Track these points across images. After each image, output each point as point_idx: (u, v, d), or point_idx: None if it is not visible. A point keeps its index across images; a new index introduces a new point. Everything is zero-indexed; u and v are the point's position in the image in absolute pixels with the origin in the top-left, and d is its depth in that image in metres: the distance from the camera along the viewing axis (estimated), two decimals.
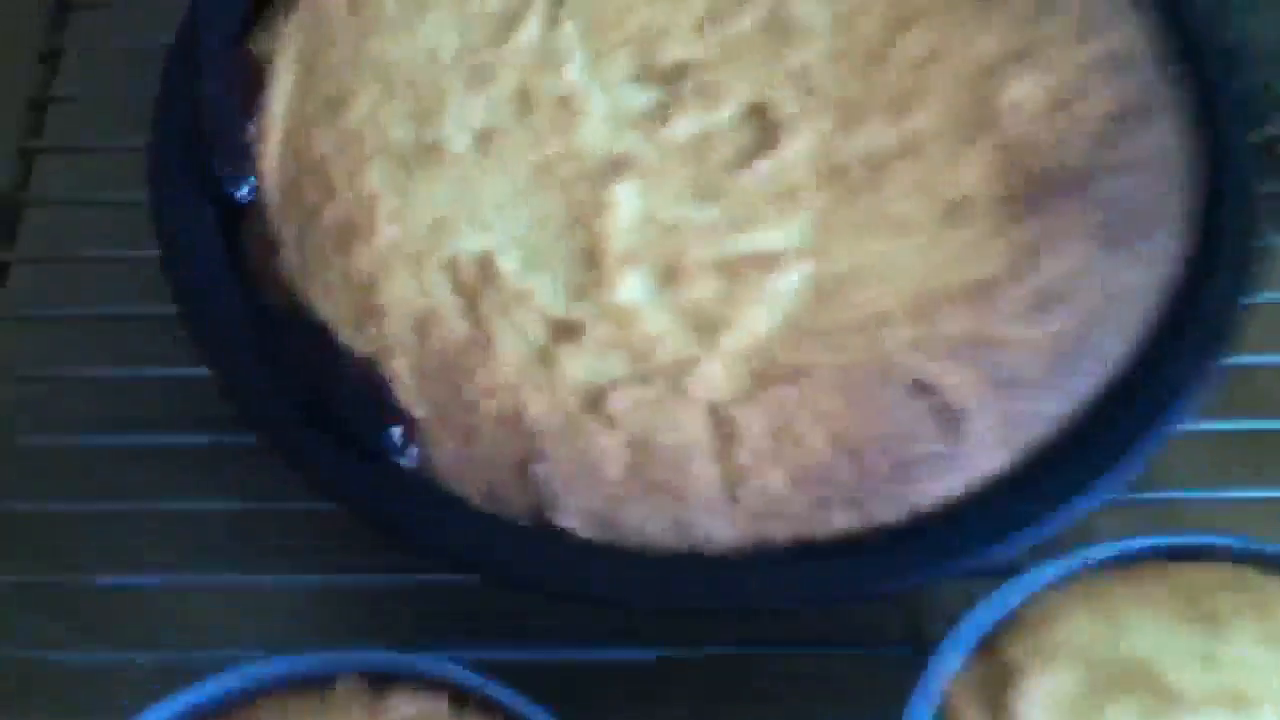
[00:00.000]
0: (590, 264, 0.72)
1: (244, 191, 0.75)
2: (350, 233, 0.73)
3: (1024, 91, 0.77)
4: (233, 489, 0.74)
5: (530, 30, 0.80)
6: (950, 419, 0.67)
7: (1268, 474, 0.78)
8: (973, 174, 0.75)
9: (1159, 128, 0.77)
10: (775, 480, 0.66)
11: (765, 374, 0.69)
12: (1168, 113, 0.77)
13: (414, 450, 0.67)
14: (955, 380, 0.69)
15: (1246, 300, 0.73)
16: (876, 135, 0.76)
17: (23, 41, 0.89)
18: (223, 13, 0.82)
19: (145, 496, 0.75)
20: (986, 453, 0.68)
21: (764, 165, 0.75)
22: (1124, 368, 0.72)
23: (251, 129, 0.77)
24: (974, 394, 0.68)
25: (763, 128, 0.77)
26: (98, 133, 0.85)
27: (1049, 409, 0.69)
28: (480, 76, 0.78)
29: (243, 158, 0.76)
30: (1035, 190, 0.74)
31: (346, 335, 0.70)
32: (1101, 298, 0.71)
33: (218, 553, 0.77)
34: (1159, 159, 0.75)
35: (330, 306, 0.71)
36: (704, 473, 0.67)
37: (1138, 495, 0.75)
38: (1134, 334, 0.72)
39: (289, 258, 0.73)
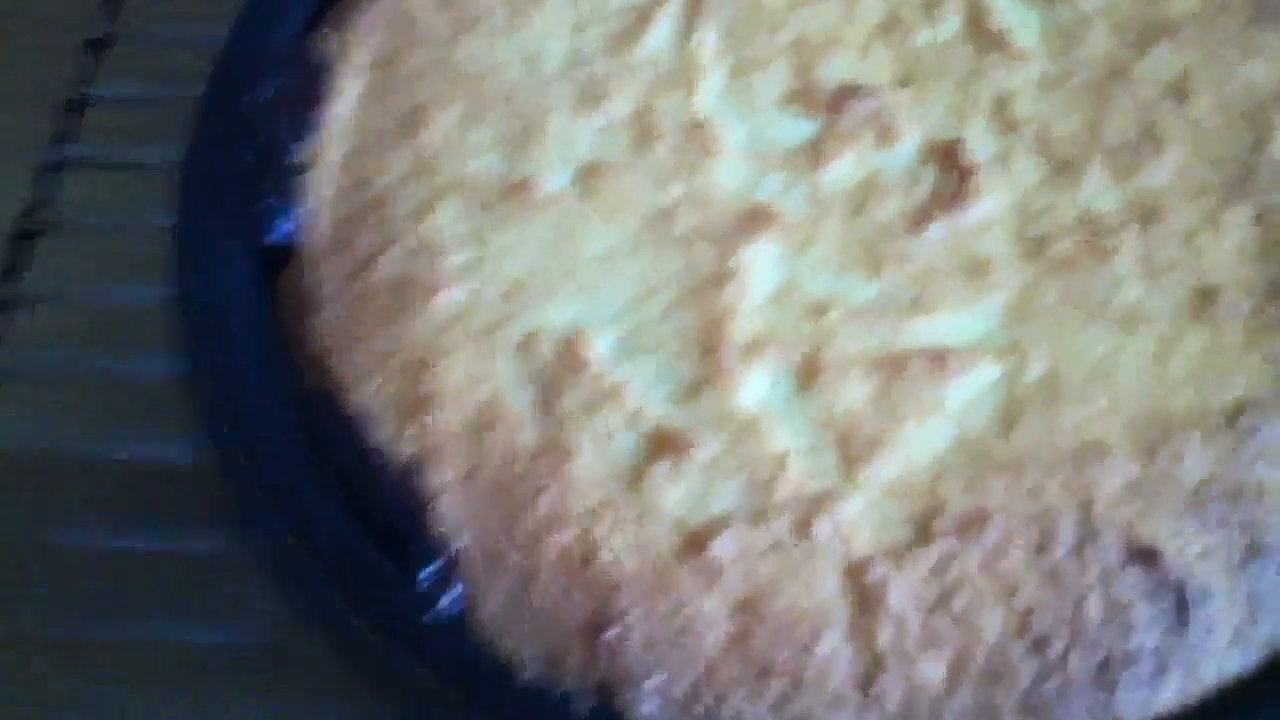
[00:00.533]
0: (706, 352, 0.54)
1: (287, 228, 0.59)
2: (406, 292, 0.57)
3: None
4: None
5: (659, 35, 0.63)
6: (1177, 602, 0.48)
7: None
8: (1229, 252, 0.55)
9: None
10: (929, 672, 0.48)
11: (926, 521, 0.51)
12: None
13: (455, 592, 0.51)
14: (1189, 547, 0.49)
15: None
16: (1100, 192, 0.57)
17: (70, 31, 0.74)
18: (288, 4, 0.66)
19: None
20: (1222, 651, 0.49)
21: (947, 227, 0.57)
22: None
23: (305, 149, 0.61)
24: (1213, 567, 0.49)
25: (949, 175, 0.59)
26: (136, 142, 0.70)
27: None
28: (591, 94, 0.62)
29: (288, 186, 0.60)
30: None
31: (387, 429, 0.54)
32: None
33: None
34: None
35: (371, 389, 0.55)
36: (833, 654, 0.49)
37: None
38: None
39: (329, 319, 0.57)
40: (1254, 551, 0.51)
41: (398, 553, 0.52)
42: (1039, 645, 0.49)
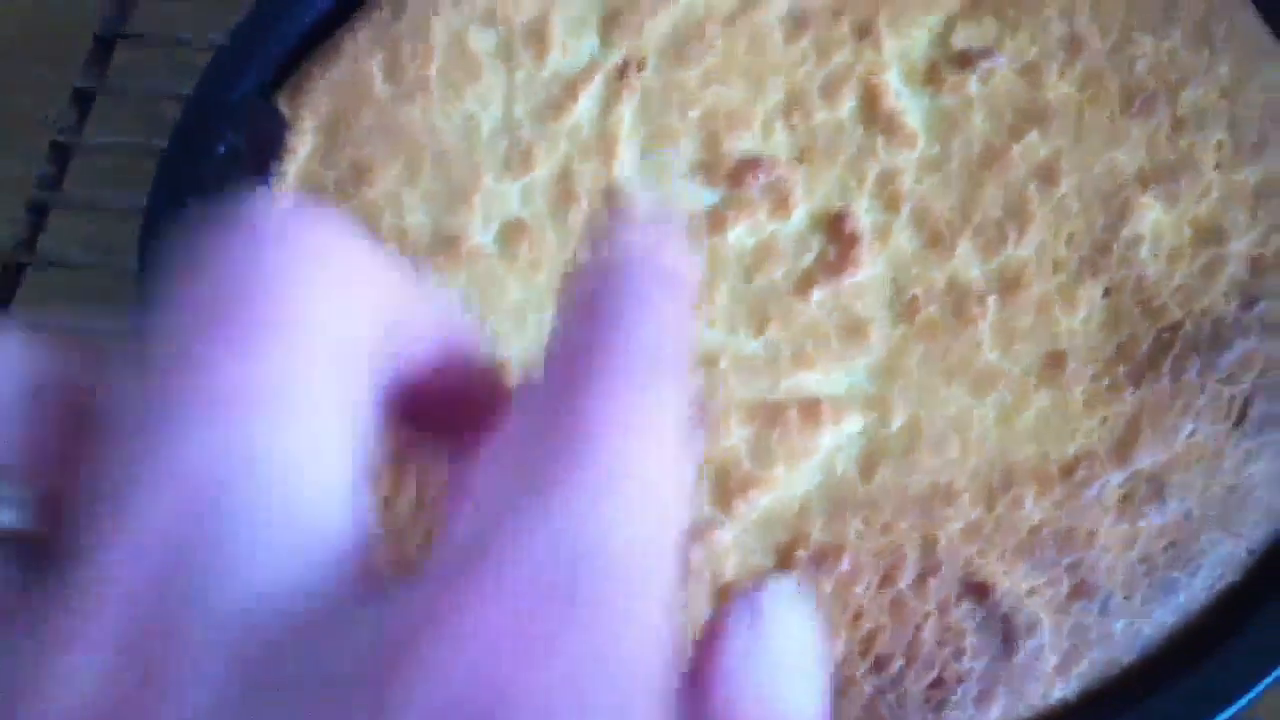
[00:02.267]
0: None
1: None
2: None
3: (1156, 222, 0.64)
4: None
5: (585, 107, 0.70)
6: (1006, 632, 0.55)
7: None
8: (1079, 322, 0.62)
9: None
10: None
11: (790, 551, 0.57)
12: None
13: None
14: (1019, 583, 0.56)
15: None
16: (966, 264, 0.64)
17: (52, 79, 0.81)
18: (251, 64, 0.73)
19: None
20: (1047, 678, 0.55)
21: (829, 291, 0.64)
22: (1239, 577, 0.58)
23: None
24: (1040, 603, 0.56)
25: (835, 244, 0.65)
26: (116, 187, 0.77)
27: (1135, 627, 0.56)
28: (519, 158, 0.68)
29: None
30: (1154, 348, 0.61)
31: None
32: (1221, 491, 0.58)
33: None
34: None
35: None
36: None
37: None
38: (1255, 536, 0.58)
39: None
40: (1079, 591, 0.57)
41: None
42: (879, 664, 0.56)
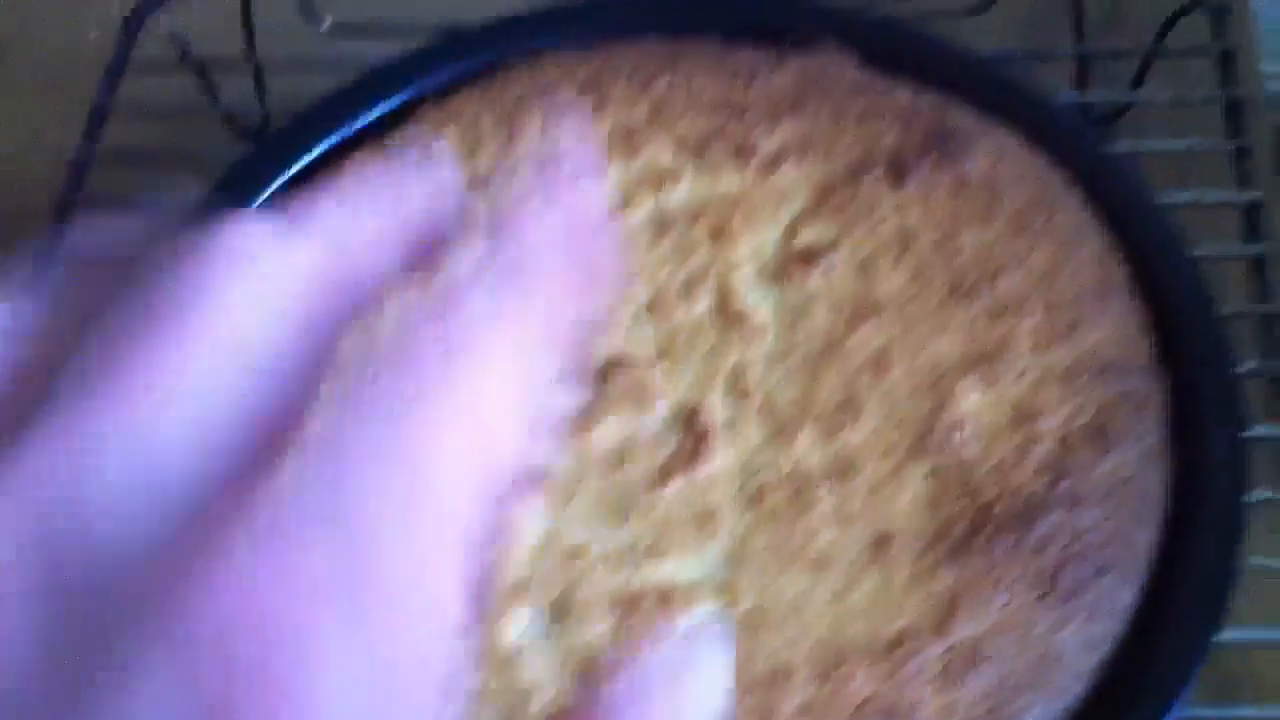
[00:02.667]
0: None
1: None
2: None
3: (974, 405, 0.71)
4: None
5: None
6: None
7: None
8: (905, 503, 0.69)
9: (1130, 447, 0.70)
10: None
11: None
12: (1140, 429, 0.70)
13: None
14: None
15: (1199, 667, 0.65)
16: (806, 452, 0.71)
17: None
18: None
19: None
20: None
21: (684, 482, 0.71)
22: None
23: None
24: None
25: (690, 437, 0.72)
26: None
27: None
28: None
29: None
30: (970, 526, 0.68)
31: None
32: (1034, 656, 0.65)
33: None
34: (1119, 491, 0.69)
35: None
36: None
37: None
38: (1069, 697, 0.65)
39: None
40: None
41: None
42: None
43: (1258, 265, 0.82)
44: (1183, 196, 0.82)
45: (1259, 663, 0.74)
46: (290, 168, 0.85)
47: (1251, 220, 0.83)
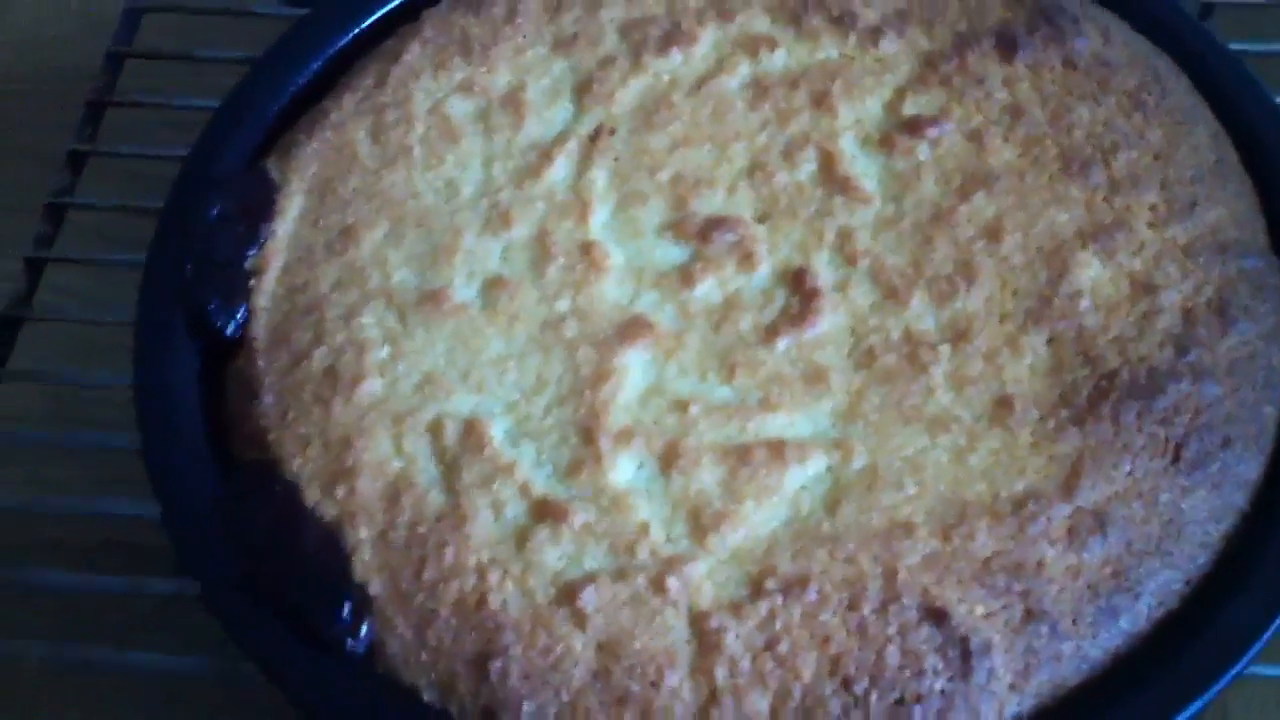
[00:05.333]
0: (585, 439, 0.65)
1: (235, 326, 0.69)
2: (333, 382, 0.67)
3: (1095, 276, 0.69)
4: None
5: (558, 171, 0.74)
6: (963, 654, 0.59)
7: None
8: (1024, 369, 0.67)
9: (1250, 327, 0.68)
10: (754, 704, 0.59)
11: (761, 581, 0.61)
12: (1262, 309, 0.68)
13: (365, 631, 0.61)
14: (974, 609, 0.61)
15: None
16: (920, 315, 0.69)
17: (48, 142, 0.85)
18: (242, 129, 0.77)
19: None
20: (1001, 697, 0.59)
21: (792, 341, 0.68)
22: (1177, 604, 0.63)
23: (251, 259, 0.72)
24: (994, 627, 0.60)
25: (797, 297, 0.70)
26: (109, 245, 0.81)
27: (1082, 650, 0.61)
28: (499, 218, 0.73)
29: (236, 290, 0.70)
30: (1094, 393, 0.66)
31: (313, 496, 0.64)
32: (1158, 525, 0.63)
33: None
34: (1244, 366, 0.67)
35: (301, 462, 0.65)
36: (678, 688, 0.59)
37: None
38: (1191, 567, 0.63)
39: (267, 404, 0.67)
40: (1030, 615, 0.62)
41: (317, 600, 0.62)
42: (846, 684, 0.60)
43: None
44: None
45: None
46: (347, 33, 0.82)
47: None
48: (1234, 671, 0.59)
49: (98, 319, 0.78)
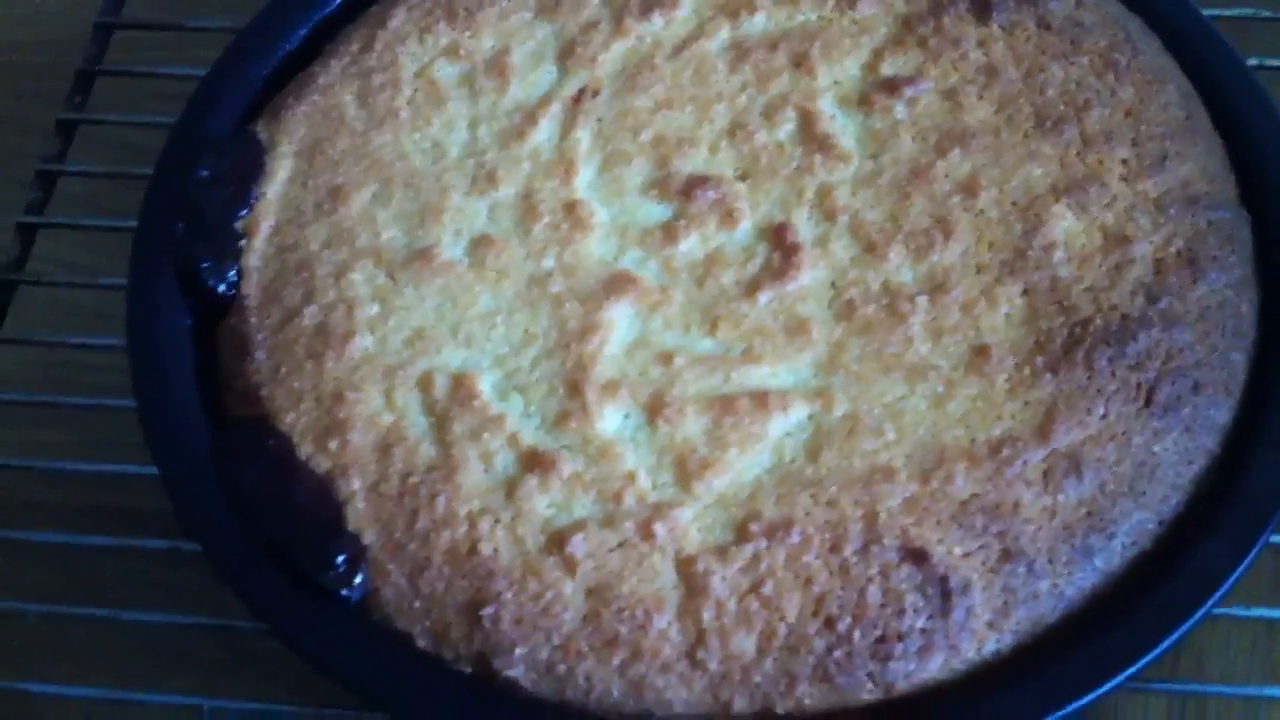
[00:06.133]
0: (572, 391, 0.67)
1: (223, 287, 0.71)
2: (324, 339, 0.68)
3: (1068, 229, 0.71)
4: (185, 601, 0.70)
5: (544, 132, 0.76)
6: (942, 593, 0.61)
7: None
8: (1000, 318, 0.69)
9: (1219, 277, 0.70)
10: (741, 644, 0.61)
11: (745, 526, 0.63)
12: (1231, 259, 0.70)
13: (360, 580, 0.62)
14: (953, 550, 0.62)
15: None
16: (898, 268, 0.70)
17: (38, 111, 0.86)
18: (231, 94, 0.79)
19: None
20: (980, 634, 0.61)
21: (774, 294, 0.70)
22: (1150, 544, 0.64)
23: (242, 220, 0.73)
24: (972, 567, 0.62)
25: (778, 252, 0.71)
26: (100, 210, 0.82)
27: (1058, 588, 0.62)
28: (485, 178, 0.74)
29: (227, 249, 0.72)
30: (1069, 341, 0.67)
31: (306, 450, 0.65)
32: (1130, 467, 0.65)
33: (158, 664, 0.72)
34: (1214, 314, 0.68)
35: (293, 417, 0.67)
36: (665, 629, 0.61)
37: (1165, 685, 0.68)
38: (1164, 508, 0.65)
39: (260, 360, 0.68)
40: (1008, 555, 0.63)
41: (312, 551, 0.64)
42: (829, 623, 0.61)
43: None
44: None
45: None
46: (331, 1, 0.83)
47: None
48: (1204, 611, 0.61)
49: (90, 282, 0.79)
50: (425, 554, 0.63)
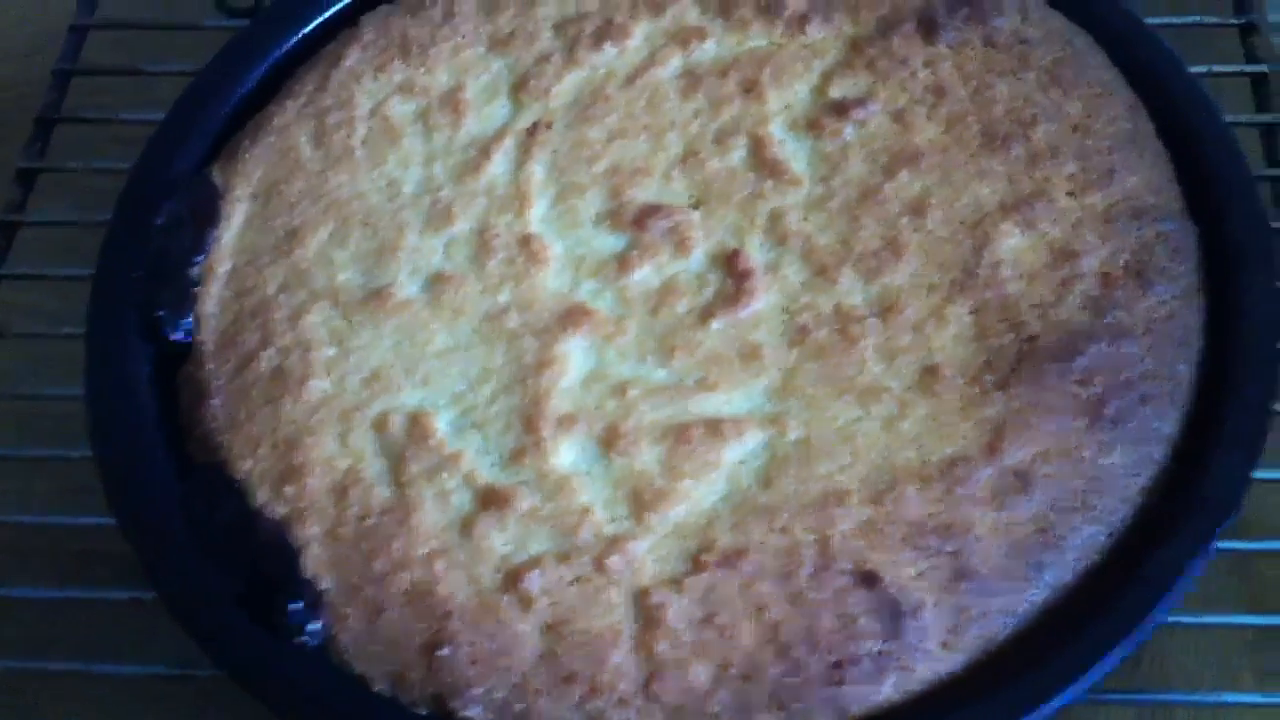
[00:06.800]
0: (528, 426, 0.67)
1: (179, 334, 0.71)
2: (280, 383, 0.69)
3: (1016, 246, 0.72)
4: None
5: (499, 166, 0.77)
6: (894, 615, 0.62)
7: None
8: (950, 338, 0.69)
9: (1166, 289, 0.70)
10: (697, 675, 0.61)
11: (700, 556, 0.64)
12: (1178, 270, 0.71)
13: (318, 625, 0.63)
14: (905, 571, 0.63)
15: (1245, 485, 0.65)
16: (850, 291, 0.71)
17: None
18: (189, 137, 0.79)
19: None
20: (934, 654, 0.62)
21: (727, 322, 0.70)
22: (1099, 557, 0.65)
23: (200, 263, 0.74)
24: (924, 587, 0.63)
25: (731, 279, 0.72)
26: (62, 260, 0.83)
27: (1012, 605, 0.63)
28: (440, 215, 0.75)
29: (183, 296, 0.72)
30: (1017, 357, 0.68)
31: (264, 496, 0.66)
32: (1080, 481, 0.65)
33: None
34: (1161, 326, 0.69)
35: (250, 463, 0.67)
36: (621, 663, 0.62)
37: (1128, 695, 0.69)
38: (1114, 520, 0.66)
39: (216, 407, 0.69)
40: (960, 574, 0.64)
41: (270, 598, 0.64)
42: (782, 651, 0.62)
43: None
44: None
45: None
46: (289, 40, 0.84)
47: (1260, 92, 0.85)
48: (1153, 620, 0.62)
49: (53, 332, 0.80)
50: (382, 597, 0.63)
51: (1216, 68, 0.84)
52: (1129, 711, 0.72)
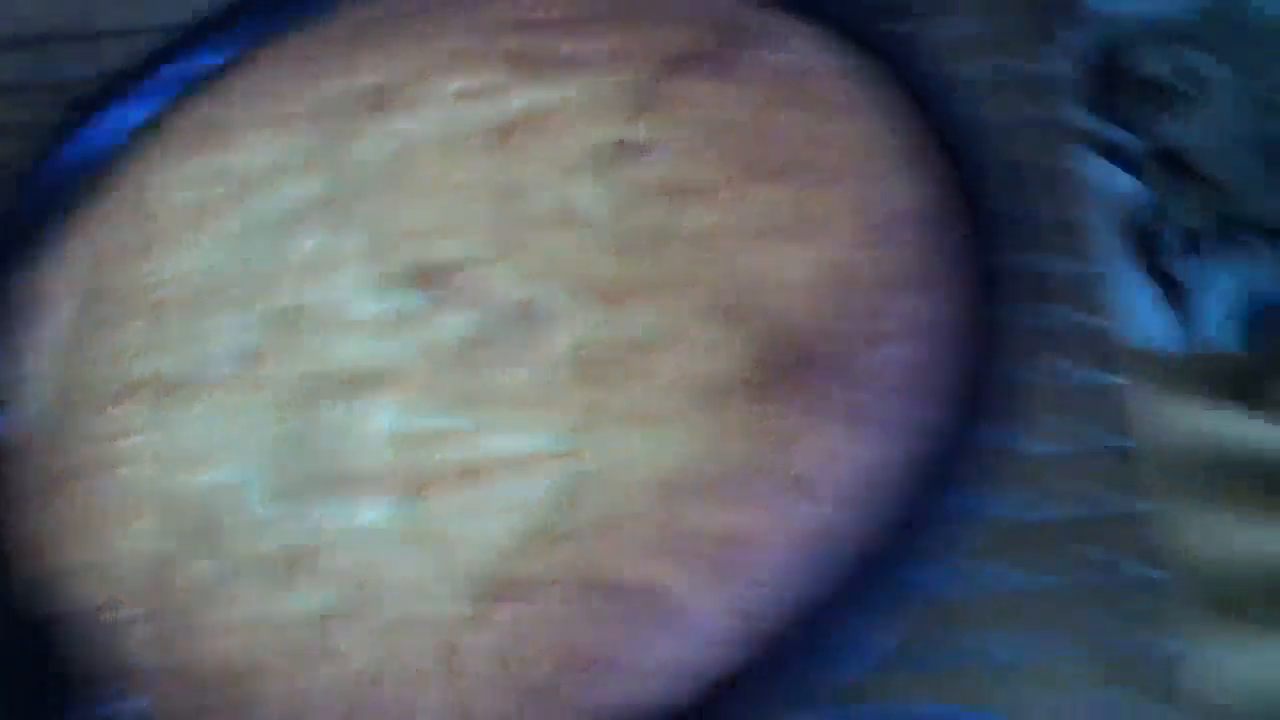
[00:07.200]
0: (334, 489, 0.70)
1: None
2: (91, 473, 0.72)
3: (790, 264, 0.74)
4: None
5: (309, 235, 0.79)
6: (680, 620, 0.64)
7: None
8: (731, 357, 0.72)
9: (928, 296, 0.73)
10: (503, 706, 0.64)
11: (499, 591, 0.66)
12: (943, 279, 0.74)
13: (139, 708, 0.65)
14: (688, 578, 0.66)
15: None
16: (638, 325, 0.74)
17: None
18: (10, 240, 0.82)
19: None
20: (721, 653, 0.64)
21: (525, 365, 0.73)
22: (877, 551, 0.68)
23: (15, 366, 0.76)
24: (707, 592, 0.65)
25: (530, 325, 0.75)
26: None
27: (791, 605, 0.66)
28: (255, 291, 0.78)
29: (1, 399, 0.75)
30: (793, 371, 0.71)
31: (75, 586, 0.68)
32: (848, 480, 0.68)
33: None
34: (923, 329, 0.72)
35: (61, 554, 0.70)
36: (432, 705, 0.64)
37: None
38: (883, 513, 0.68)
39: (27, 510, 0.72)
40: (740, 580, 0.67)
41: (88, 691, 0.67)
42: (582, 670, 0.65)
43: None
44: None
45: None
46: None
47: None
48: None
49: None
50: (202, 670, 0.66)
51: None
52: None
